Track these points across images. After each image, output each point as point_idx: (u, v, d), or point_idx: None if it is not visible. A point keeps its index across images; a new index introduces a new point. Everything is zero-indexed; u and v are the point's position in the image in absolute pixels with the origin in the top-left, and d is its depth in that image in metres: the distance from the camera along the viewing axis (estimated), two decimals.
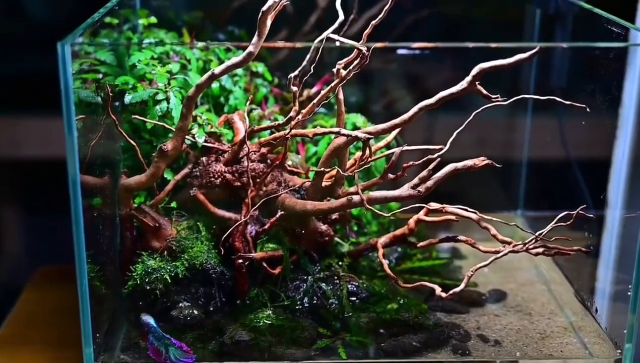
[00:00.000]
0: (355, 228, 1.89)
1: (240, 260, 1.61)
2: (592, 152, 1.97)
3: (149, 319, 1.58)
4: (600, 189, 1.82)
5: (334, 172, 1.62)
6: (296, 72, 1.47)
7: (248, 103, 1.68)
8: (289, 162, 1.72)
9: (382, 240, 1.70)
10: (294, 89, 1.52)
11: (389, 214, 1.55)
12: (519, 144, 2.22)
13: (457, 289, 1.46)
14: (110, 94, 1.56)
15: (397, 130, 1.62)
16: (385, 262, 1.61)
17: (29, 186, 2.66)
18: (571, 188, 1.95)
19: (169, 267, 1.61)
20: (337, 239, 1.78)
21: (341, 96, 1.59)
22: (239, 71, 1.86)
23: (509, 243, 1.52)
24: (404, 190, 1.55)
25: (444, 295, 1.48)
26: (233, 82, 1.83)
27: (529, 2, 2.10)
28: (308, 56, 1.45)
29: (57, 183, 1.65)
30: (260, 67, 1.92)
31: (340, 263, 1.74)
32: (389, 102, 2.18)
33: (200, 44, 1.87)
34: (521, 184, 2.22)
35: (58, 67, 1.35)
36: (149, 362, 1.54)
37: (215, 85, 1.80)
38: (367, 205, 1.53)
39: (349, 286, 1.69)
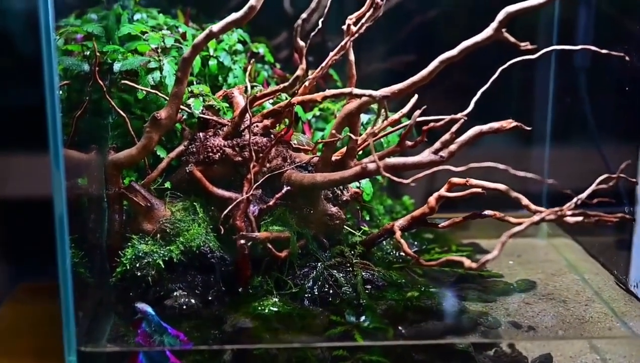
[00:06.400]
0: (367, 217, 1.72)
1: (242, 241, 1.44)
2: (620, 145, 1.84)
3: (146, 307, 1.40)
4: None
5: (344, 149, 1.48)
6: (305, 15, 1.33)
7: (248, 75, 1.54)
8: (295, 141, 1.57)
9: (399, 222, 1.54)
10: (301, 43, 1.39)
11: (409, 181, 1.39)
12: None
13: (490, 256, 1.28)
14: (97, 54, 1.42)
15: (415, 97, 1.49)
16: (404, 242, 1.44)
17: (14, 223, 2.51)
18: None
19: (162, 251, 1.44)
20: (348, 228, 1.61)
21: (352, 57, 1.45)
22: (239, 48, 1.72)
23: (542, 212, 1.36)
24: (425, 155, 1.41)
25: (474, 265, 1.31)
26: (232, 60, 1.68)
27: None
28: None
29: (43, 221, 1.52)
30: (261, 48, 1.79)
31: (352, 251, 1.57)
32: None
33: None
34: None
35: (45, 102, 1.21)
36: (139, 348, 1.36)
37: (212, 62, 1.66)
38: (384, 172, 1.37)
39: (364, 274, 1.52)
